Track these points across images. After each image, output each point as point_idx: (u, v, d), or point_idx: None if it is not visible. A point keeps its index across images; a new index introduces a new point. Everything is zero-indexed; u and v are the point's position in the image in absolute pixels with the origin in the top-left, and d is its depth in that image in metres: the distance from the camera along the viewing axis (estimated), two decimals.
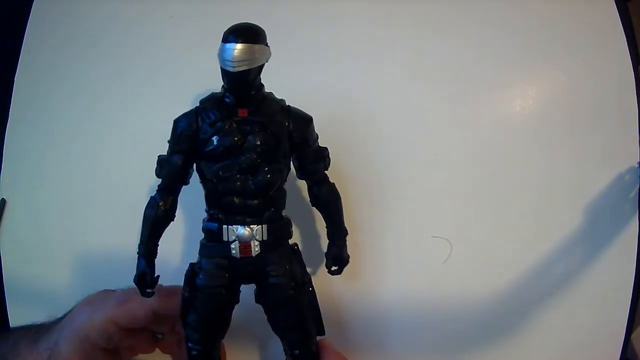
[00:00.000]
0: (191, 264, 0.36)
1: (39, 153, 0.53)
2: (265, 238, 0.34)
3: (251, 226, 0.34)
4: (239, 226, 0.34)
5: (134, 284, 0.35)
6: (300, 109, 0.37)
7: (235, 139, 0.34)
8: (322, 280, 0.45)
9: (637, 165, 0.44)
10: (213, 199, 0.35)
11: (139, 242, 0.35)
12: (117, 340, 0.36)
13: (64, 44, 0.55)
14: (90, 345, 0.36)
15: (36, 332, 0.38)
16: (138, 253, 0.35)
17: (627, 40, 0.46)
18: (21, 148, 0.54)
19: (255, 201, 0.34)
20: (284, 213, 0.38)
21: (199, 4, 0.53)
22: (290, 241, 0.38)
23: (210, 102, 0.36)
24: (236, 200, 0.34)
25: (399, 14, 0.49)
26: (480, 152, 0.46)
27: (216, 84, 0.48)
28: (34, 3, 0.57)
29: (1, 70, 0.56)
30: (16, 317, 0.50)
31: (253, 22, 0.35)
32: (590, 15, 0.47)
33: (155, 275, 0.35)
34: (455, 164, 0.46)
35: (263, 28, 0.34)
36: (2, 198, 0.53)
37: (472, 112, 0.47)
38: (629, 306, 0.43)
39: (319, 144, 0.38)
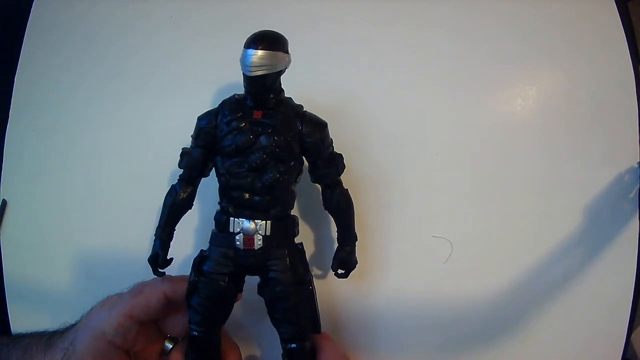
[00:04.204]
0: (201, 251, 0.38)
1: (39, 154, 0.53)
2: (268, 233, 0.36)
3: (256, 221, 0.36)
4: (245, 220, 0.36)
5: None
6: (316, 114, 0.39)
7: (247, 138, 0.36)
8: (324, 279, 0.45)
9: (637, 165, 0.44)
10: (224, 192, 0.37)
11: (156, 226, 0.38)
12: (133, 336, 0.37)
13: (63, 44, 0.55)
14: (106, 344, 0.37)
15: (50, 337, 0.39)
16: (155, 235, 0.38)
17: (627, 40, 0.46)
18: (21, 149, 0.54)
19: (262, 198, 0.36)
20: (292, 212, 0.39)
21: (199, 4, 0.53)
22: (297, 240, 0.39)
23: (230, 103, 0.38)
24: (244, 195, 0.36)
25: (399, 15, 0.49)
26: (481, 152, 0.46)
27: (215, 83, 0.48)
28: (34, 3, 0.57)
29: (1, 70, 0.56)
30: (17, 318, 0.50)
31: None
32: (590, 15, 0.47)
33: (169, 258, 0.38)
34: (455, 164, 0.46)
35: (280, 33, 0.36)
36: (3, 199, 0.53)
37: (472, 112, 0.47)
38: (630, 306, 0.43)
39: (334, 150, 0.40)
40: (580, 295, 0.43)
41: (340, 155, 0.40)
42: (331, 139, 0.39)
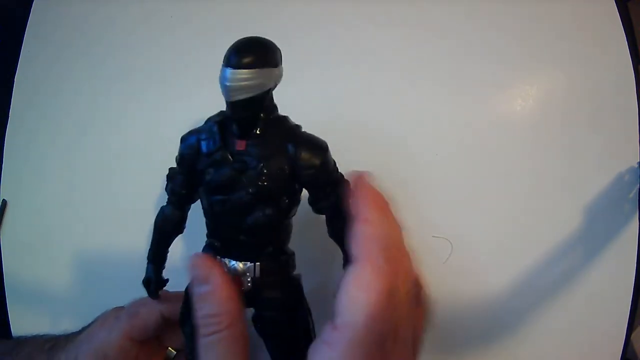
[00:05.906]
0: None
1: (39, 154, 0.53)
2: (257, 275, 0.32)
3: (244, 262, 0.32)
4: (232, 260, 0.32)
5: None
6: (314, 134, 0.33)
7: (229, 175, 0.31)
8: (324, 285, 0.45)
9: (637, 165, 0.44)
10: (210, 228, 0.34)
11: (148, 248, 0.36)
12: (134, 355, 0.38)
13: (64, 44, 0.55)
14: None
15: (51, 347, 0.39)
16: (147, 258, 0.36)
17: (627, 40, 0.46)
18: (22, 149, 0.54)
19: (249, 239, 0.32)
20: (288, 246, 0.35)
21: (199, 4, 0.53)
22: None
23: (211, 127, 0.32)
24: (230, 234, 0.32)
25: (398, 15, 0.49)
26: (481, 152, 0.46)
27: (215, 84, 0.48)
28: (34, 3, 0.57)
29: (1, 70, 0.56)
30: (17, 318, 0.50)
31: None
32: (590, 15, 0.47)
33: (165, 279, 0.37)
34: (455, 164, 0.46)
35: (269, 40, 0.30)
36: (3, 199, 0.53)
37: (472, 112, 0.47)
38: (629, 306, 0.43)
39: (338, 173, 0.34)
40: (580, 295, 0.43)
41: (347, 180, 0.34)
42: (334, 161, 0.33)
